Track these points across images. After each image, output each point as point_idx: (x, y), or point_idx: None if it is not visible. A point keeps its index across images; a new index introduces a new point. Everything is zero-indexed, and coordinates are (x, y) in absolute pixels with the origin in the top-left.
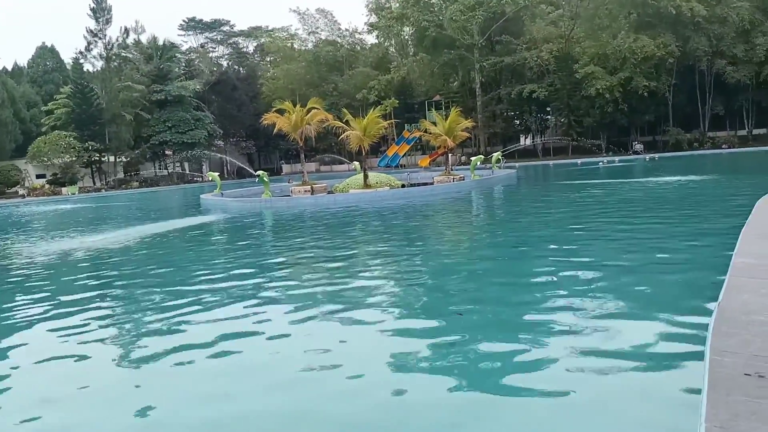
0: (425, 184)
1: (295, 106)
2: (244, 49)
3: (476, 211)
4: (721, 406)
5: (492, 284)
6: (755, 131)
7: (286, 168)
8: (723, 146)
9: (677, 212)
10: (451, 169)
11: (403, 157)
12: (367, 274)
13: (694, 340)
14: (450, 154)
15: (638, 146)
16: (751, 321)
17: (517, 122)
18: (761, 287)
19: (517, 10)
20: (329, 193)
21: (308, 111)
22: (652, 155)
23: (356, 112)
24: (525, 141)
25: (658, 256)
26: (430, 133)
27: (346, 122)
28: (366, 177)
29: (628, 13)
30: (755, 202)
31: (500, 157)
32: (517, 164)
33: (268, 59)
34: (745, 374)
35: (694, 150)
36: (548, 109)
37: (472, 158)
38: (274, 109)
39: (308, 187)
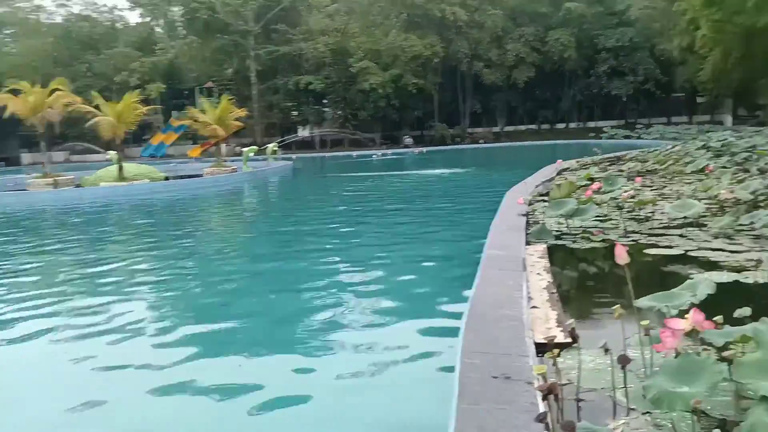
0: (194, 176)
1: (37, 86)
2: None
3: (244, 206)
4: (469, 419)
5: (254, 285)
6: (506, 128)
7: (27, 158)
8: (480, 141)
9: (442, 204)
10: (224, 161)
11: (170, 146)
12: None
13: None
14: (224, 145)
15: (408, 140)
16: (500, 316)
17: (295, 113)
18: (507, 279)
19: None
20: (77, 186)
21: (51, 93)
22: (421, 149)
23: (115, 96)
24: (303, 132)
25: (420, 250)
26: (199, 122)
27: (97, 107)
28: (121, 168)
29: (399, 12)
30: (505, 194)
31: (276, 149)
32: (294, 156)
33: (6, 32)
34: (493, 377)
35: (456, 144)
36: (325, 101)
37: (244, 149)
38: (6, 89)
39: (50, 180)
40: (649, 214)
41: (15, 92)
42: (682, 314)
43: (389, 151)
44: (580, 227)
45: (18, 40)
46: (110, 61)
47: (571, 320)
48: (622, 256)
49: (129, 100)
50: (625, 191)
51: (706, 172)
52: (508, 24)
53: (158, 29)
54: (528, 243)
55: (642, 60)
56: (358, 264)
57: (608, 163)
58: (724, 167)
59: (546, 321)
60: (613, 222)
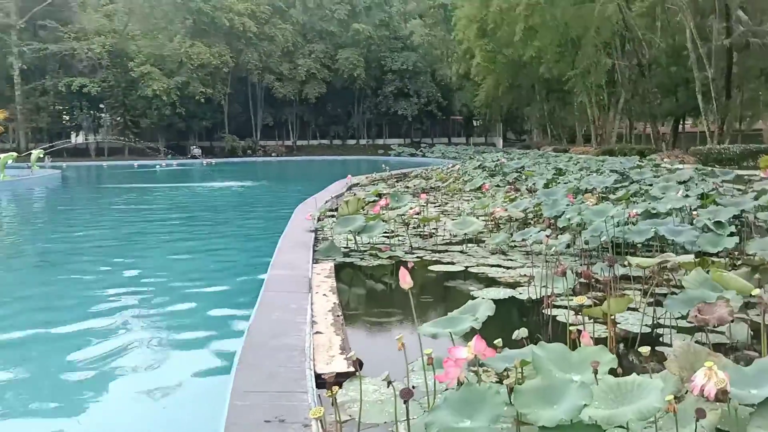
0: None
1: None
2: None
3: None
4: None
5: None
6: (299, 142)
7: None
8: (272, 154)
9: (229, 219)
10: None
11: None
12: None
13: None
14: None
15: (196, 150)
16: (280, 346)
17: (67, 118)
18: (290, 301)
19: None
20: None
21: None
22: (209, 160)
23: None
24: (77, 139)
25: (200, 272)
26: None
27: None
28: None
29: (184, 18)
30: (295, 209)
31: (42, 156)
32: (65, 164)
33: None
34: (266, 421)
35: (247, 157)
36: (102, 106)
37: (0, 156)
38: None
39: None
40: (433, 231)
41: None
42: (468, 336)
43: (174, 162)
44: (369, 243)
45: None
46: None
47: (353, 352)
48: (405, 281)
49: None
50: (411, 208)
51: (483, 190)
52: (299, 39)
53: None
54: (316, 260)
55: (425, 83)
56: (125, 288)
57: (395, 180)
58: (498, 186)
59: (329, 348)
60: (400, 238)
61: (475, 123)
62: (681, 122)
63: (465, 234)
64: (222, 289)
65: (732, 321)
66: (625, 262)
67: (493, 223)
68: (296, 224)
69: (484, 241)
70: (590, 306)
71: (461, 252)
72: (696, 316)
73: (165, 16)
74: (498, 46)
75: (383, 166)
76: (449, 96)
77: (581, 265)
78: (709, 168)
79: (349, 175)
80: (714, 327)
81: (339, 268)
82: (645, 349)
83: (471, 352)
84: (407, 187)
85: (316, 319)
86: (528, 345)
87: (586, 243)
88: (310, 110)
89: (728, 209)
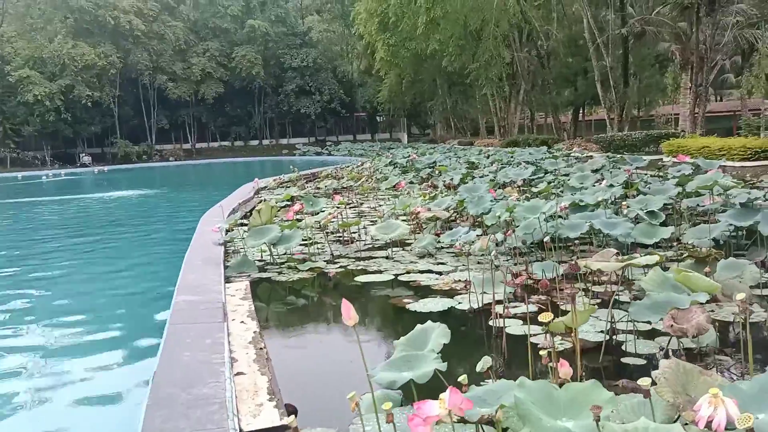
0: None
1: None
2: None
3: None
4: None
5: None
6: (198, 145)
7: None
8: (170, 159)
9: (125, 235)
10: None
11: None
12: None
13: None
14: None
15: (86, 158)
16: (194, 400)
17: None
18: (204, 335)
19: None
20: None
21: None
22: (101, 168)
23: None
24: None
25: (90, 305)
26: None
27: None
28: None
29: (64, 17)
30: (199, 219)
31: None
32: None
33: None
34: None
35: (143, 162)
36: None
37: None
38: None
39: None
40: (353, 235)
41: None
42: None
43: (62, 172)
44: (286, 255)
45: None
46: None
47: (286, 406)
48: (349, 316)
49: None
50: (328, 212)
51: (399, 188)
52: (191, 37)
53: None
54: (228, 279)
55: (326, 80)
56: None
57: (305, 181)
58: (412, 182)
59: (255, 394)
60: (319, 246)
61: (379, 119)
62: (581, 111)
63: (390, 239)
64: (117, 327)
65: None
66: (572, 263)
67: (415, 223)
68: (202, 237)
69: (409, 244)
70: (550, 321)
71: (387, 258)
72: (672, 325)
73: (43, 16)
74: (400, 39)
75: (291, 167)
76: (352, 92)
77: (515, 264)
78: (618, 155)
79: (256, 179)
80: (692, 337)
81: (255, 286)
82: (645, 381)
83: (444, 407)
84: (318, 188)
85: (236, 355)
86: (494, 377)
87: (524, 243)
88: (208, 111)
89: (657, 198)
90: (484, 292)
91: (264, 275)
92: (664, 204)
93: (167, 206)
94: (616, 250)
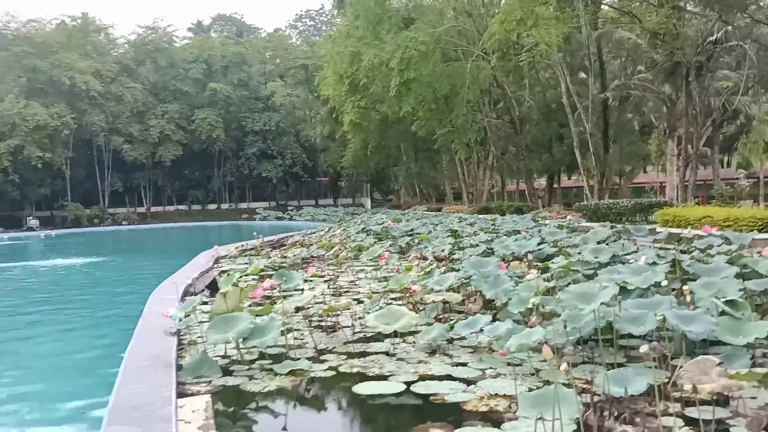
0: None
1: None
2: None
3: None
4: None
5: None
6: (153, 208)
7: None
8: (123, 222)
9: (60, 317)
10: None
11: None
12: None
13: None
14: None
15: (33, 222)
16: None
17: None
18: None
19: None
20: None
21: None
22: (48, 232)
23: None
24: None
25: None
26: None
27: None
28: None
29: (18, 76)
30: (149, 296)
31: None
32: None
33: None
34: None
35: (95, 226)
36: None
37: None
38: None
39: None
40: (338, 319)
41: None
42: None
43: (6, 236)
44: (255, 348)
45: None
46: None
47: None
48: None
49: None
50: (308, 292)
51: (382, 259)
52: (150, 99)
53: None
54: (181, 388)
55: (289, 144)
56: None
57: (270, 248)
58: (390, 251)
59: None
60: (297, 335)
61: (341, 184)
62: (557, 177)
63: (395, 332)
64: None
65: None
66: (686, 389)
67: (411, 305)
68: (149, 325)
69: (410, 333)
70: None
71: (387, 354)
72: None
73: None
74: (371, 102)
75: (255, 234)
76: (314, 157)
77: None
78: (621, 225)
79: (216, 246)
80: None
81: (218, 399)
82: None
83: None
84: (285, 257)
85: None
86: None
87: (574, 345)
88: (165, 174)
89: (727, 282)
90: (541, 418)
91: (229, 381)
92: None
93: (113, 278)
94: (718, 360)
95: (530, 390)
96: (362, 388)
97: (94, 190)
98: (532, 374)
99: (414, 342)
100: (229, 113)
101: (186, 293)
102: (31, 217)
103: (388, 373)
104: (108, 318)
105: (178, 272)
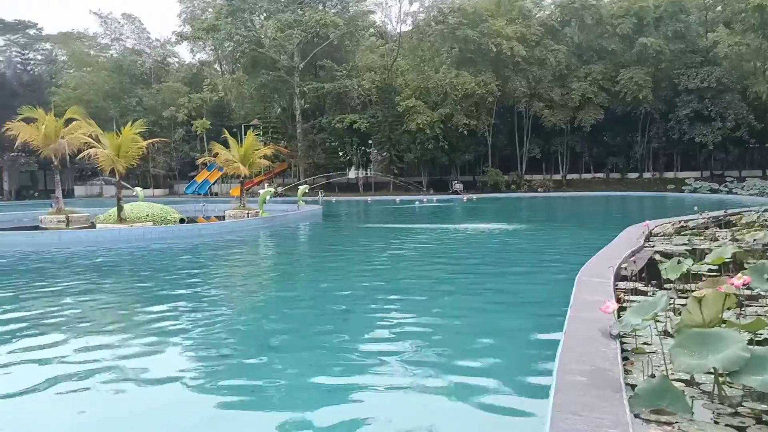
0: (219, 218)
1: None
2: (56, 57)
3: (254, 261)
4: None
5: None
6: (569, 176)
7: (79, 190)
8: (539, 189)
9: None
10: (245, 203)
11: (213, 184)
12: None
13: None
14: (267, 184)
15: (458, 186)
16: None
17: (341, 153)
18: None
19: (341, 36)
20: (91, 225)
21: (67, 122)
22: (470, 196)
23: (165, 133)
24: (349, 174)
25: None
26: (226, 160)
27: (97, 138)
28: (120, 209)
29: (450, 47)
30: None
31: (306, 191)
32: (334, 199)
33: (65, 65)
34: None
35: (511, 192)
36: (370, 141)
37: (261, 191)
38: (20, 117)
39: (62, 217)
40: None
41: (28, 120)
42: None
43: (434, 198)
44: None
45: (71, 72)
46: (159, 95)
47: None
48: None
49: (128, 133)
50: None
51: None
52: (573, 61)
53: (215, 67)
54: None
55: (732, 104)
56: None
57: (715, 226)
58: None
59: None
60: None
61: None
62: None
63: None
64: None
65: None
66: None
67: None
68: (581, 319)
69: None
70: None
71: None
72: None
73: (431, 48)
74: None
75: (695, 208)
76: (765, 119)
77: None
78: None
79: (646, 221)
80: None
81: None
82: None
83: None
84: (736, 241)
85: None
86: None
87: None
88: (583, 140)
89: None
90: None
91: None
92: None
93: (535, 247)
94: None
95: None
96: None
97: (512, 156)
98: None
99: None
100: (659, 71)
101: (617, 276)
102: (456, 182)
103: None
104: (515, 303)
105: (605, 249)
